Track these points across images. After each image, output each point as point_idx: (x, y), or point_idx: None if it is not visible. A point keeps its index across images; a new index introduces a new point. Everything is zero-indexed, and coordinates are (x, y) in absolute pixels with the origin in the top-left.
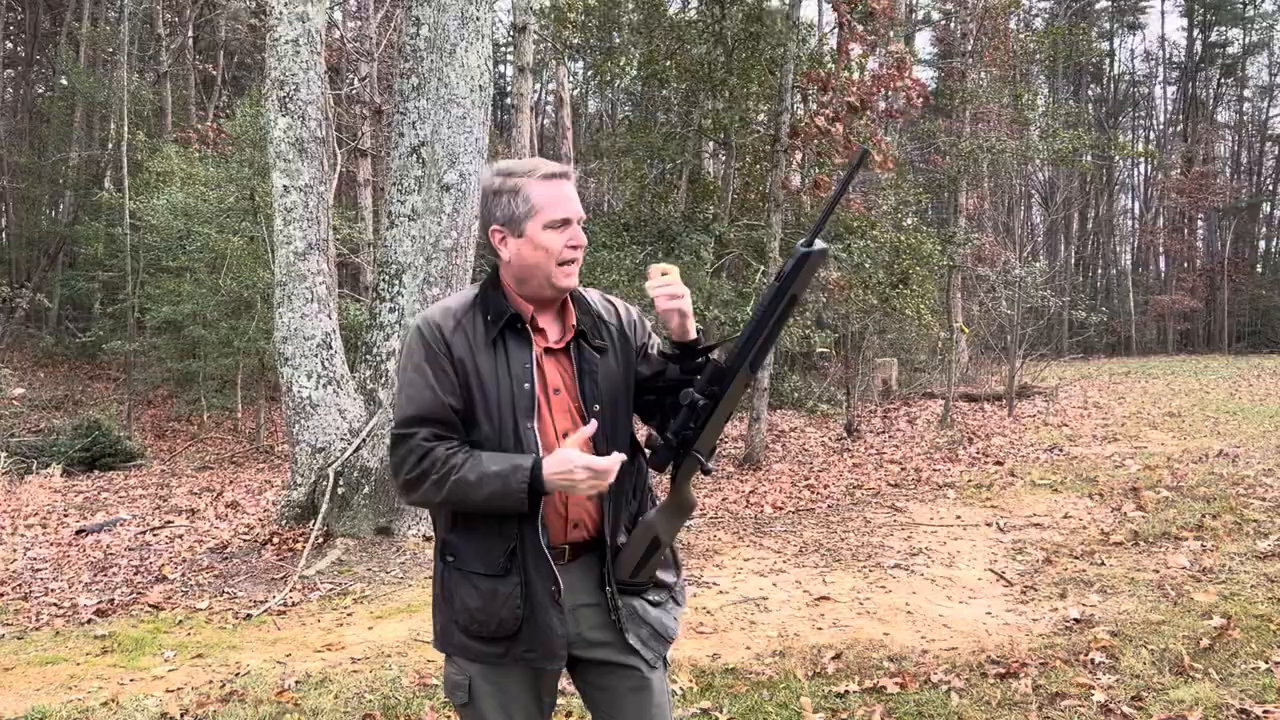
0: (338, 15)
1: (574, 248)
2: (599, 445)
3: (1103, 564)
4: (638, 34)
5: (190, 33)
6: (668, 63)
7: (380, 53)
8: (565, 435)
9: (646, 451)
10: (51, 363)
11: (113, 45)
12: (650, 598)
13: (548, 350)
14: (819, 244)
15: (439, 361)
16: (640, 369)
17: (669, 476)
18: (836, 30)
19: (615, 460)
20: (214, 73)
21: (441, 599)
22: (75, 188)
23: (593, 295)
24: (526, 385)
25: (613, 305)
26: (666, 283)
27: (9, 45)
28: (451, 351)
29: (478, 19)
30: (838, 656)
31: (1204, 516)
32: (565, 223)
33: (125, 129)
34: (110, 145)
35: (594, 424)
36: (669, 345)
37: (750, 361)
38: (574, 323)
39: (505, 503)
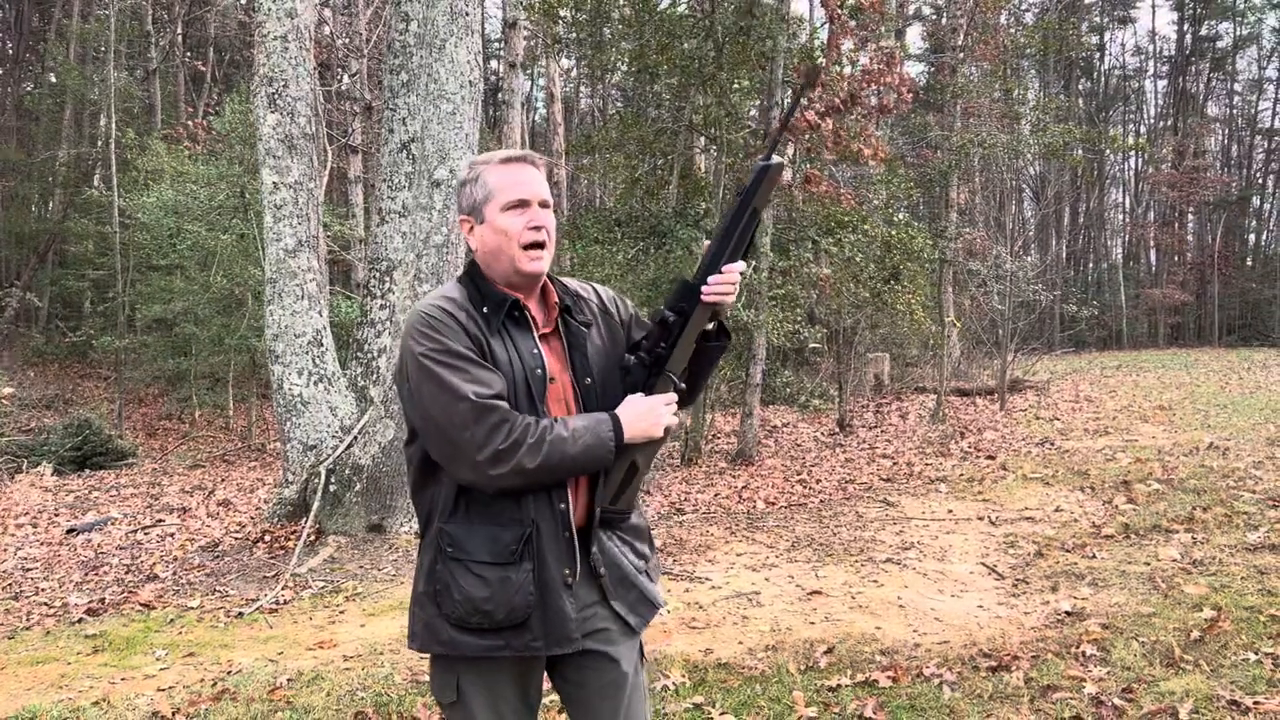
0: (327, 11)
1: (535, 229)
2: None
3: (1094, 557)
4: (628, 28)
5: (180, 29)
6: (658, 58)
7: (370, 49)
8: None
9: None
10: (42, 362)
11: (101, 42)
12: (636, 562)
13: (542, 335)
14: (776, 158)
15: (465, 342)
16: (635, 335)
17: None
18: (827, 25)
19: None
20: (203, 69)
21: (428, 594)
22: (65, 185)
23: (567, 281)
24: (539, 370)
25: (589, 286)
26: (733, 281)
27: None
28: (469, 335)
29: (467, 14)
30: (830, 650)
31: (1194, 509)
32: (523, 204)
33: (114, 126)
34: (100, 143)
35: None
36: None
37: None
38: (555, 300)
39: (595, 453)
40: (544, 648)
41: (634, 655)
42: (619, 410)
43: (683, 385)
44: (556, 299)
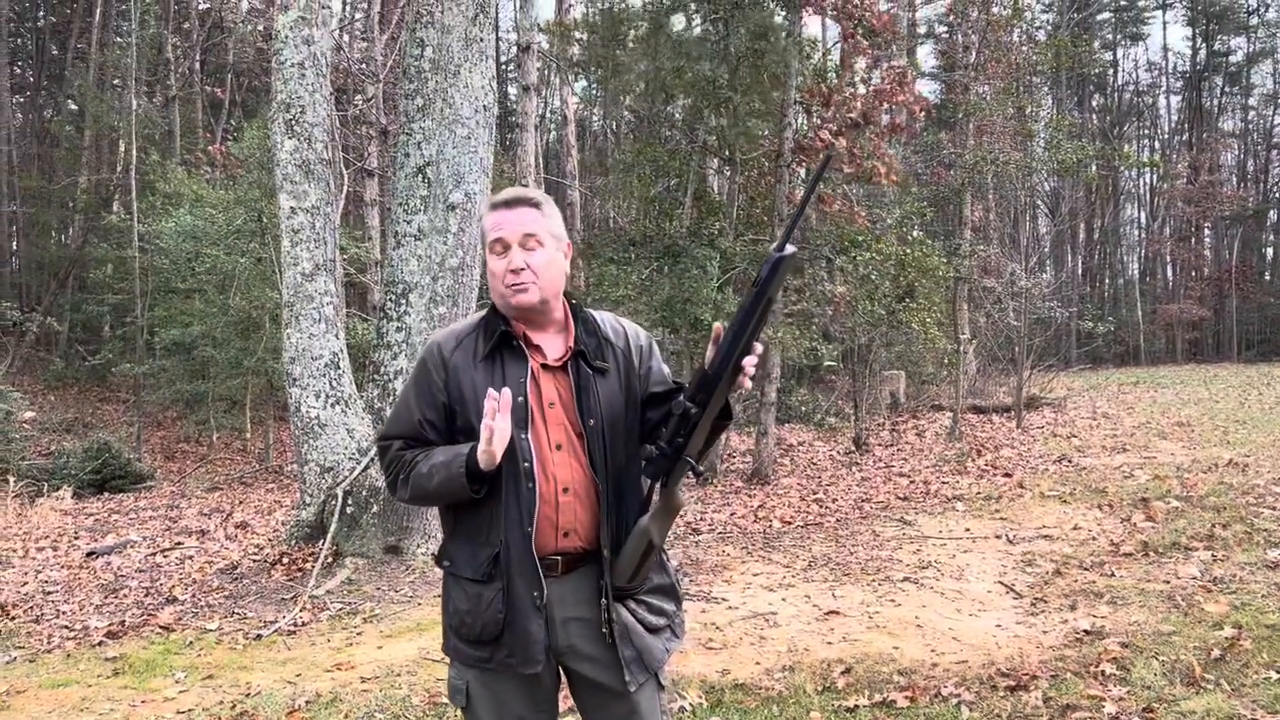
0: (343, 37)
1: (513, 271)
2: (595, 458)
3: (1113, 575)
4: (642, 51)
5: (198, 56)
6: (672, 80)
7: (386, 74)
8: (559, 447)
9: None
10: (61, 386)
11: (122, 69)
12: (650, 620)
13: (545, 367)
14: (789, 248)
15: (430, 378)
16: (650, 388)
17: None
18: (840, 45)
19: (505, 395)
20: (222, 96)
21: (442, 602)
22: (85, 211)
23: (604, 318)
24: (520, 399)
25: (622, 328)
26: (753, 365)
27: (17, 71)
28: (447, 368)
29: (481, 40)
30: (847, 671)
31: (1214, 526)
32: (502, 245)
33: (133, 152)
34: (120, 169)
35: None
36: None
37: (733, 365)
38: (572, 342)
39: (452, 486)
40: (516, 664)
41: (646, 695)
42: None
43: (701, 468)
44: (572, 342)
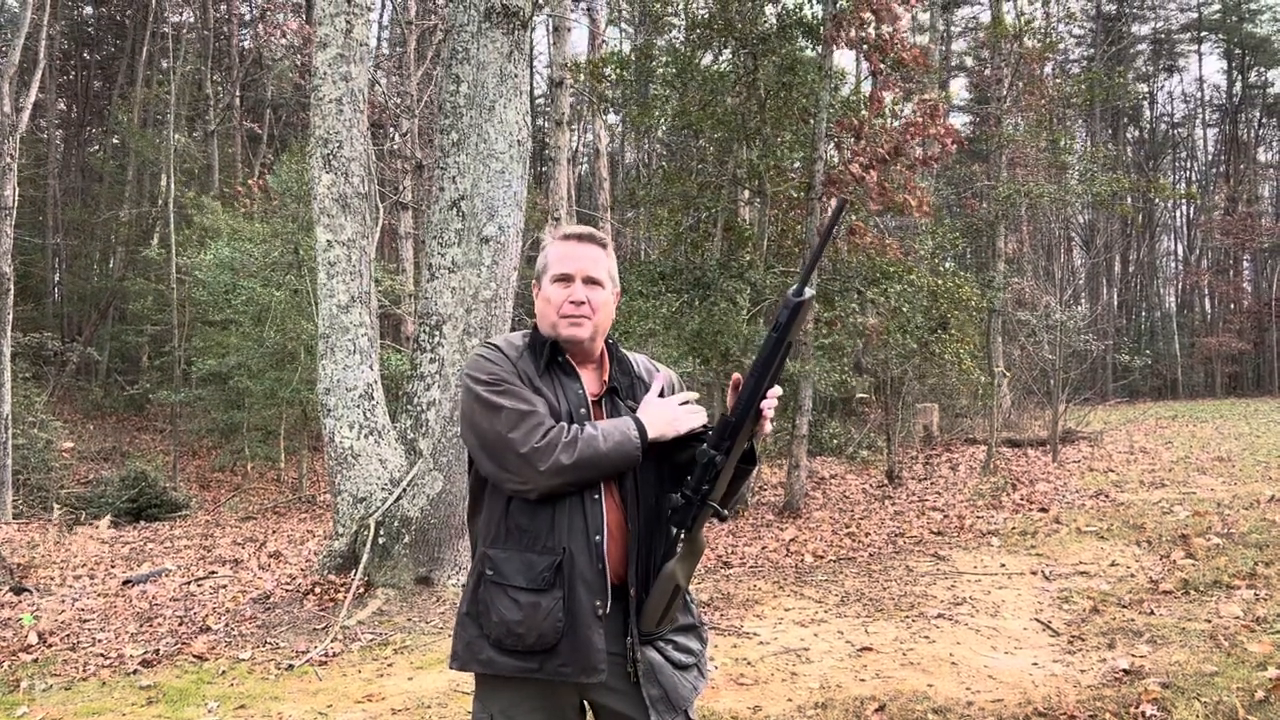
0: (379, 72)
1: (574, 303)
2: (625, 495)
3: (1152, 613)
4: (671, 86)
5: (237, 92)
6: (701, 114)
7: (421, 108)
8: None
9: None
10: (100, 415)
11: (163, 106)
12: (678, 658)
13: None
14: (808, 291)
15: (514, 371)
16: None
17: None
18: (870, 78)
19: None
20: (260, 130)
21: (470, 615)
22: (125, 244)
23: (638, 359)
24: (583, 410)
25: (659, 372)
26: (773, 407)
27: (61, 106)
28: (518, 371)
29: (515, 76)
30: (881, 708)
31: (1257, 564)
32: (567, 278)
33: (173, 186)
34: (160, 202)
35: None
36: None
37: (754, 410)
38: (606, 379)
39: (624, 449)
40: (572, 674)
41: None
42: (639, 414)
43: (726, 513)
44: (607, 378)
